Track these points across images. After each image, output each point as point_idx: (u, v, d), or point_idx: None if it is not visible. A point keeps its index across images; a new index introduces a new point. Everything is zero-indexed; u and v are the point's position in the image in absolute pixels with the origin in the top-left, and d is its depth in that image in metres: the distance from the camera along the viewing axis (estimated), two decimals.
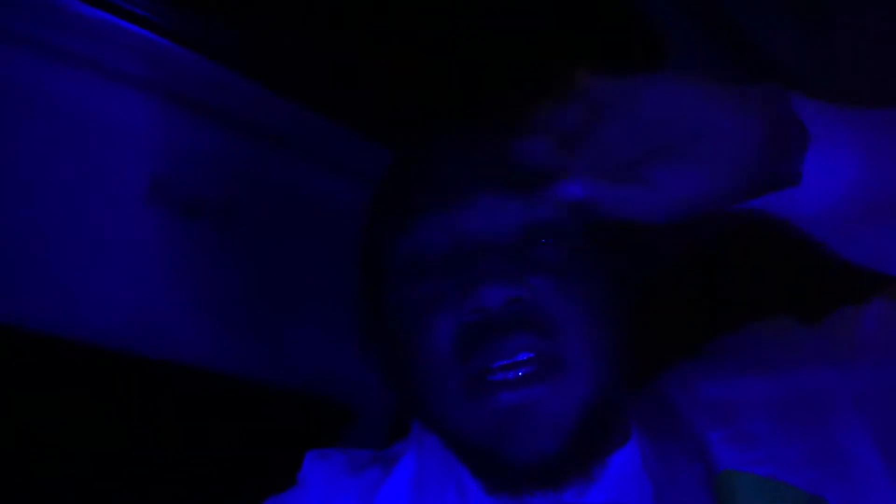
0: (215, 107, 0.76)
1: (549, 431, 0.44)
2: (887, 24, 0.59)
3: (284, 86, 0.77)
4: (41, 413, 0.87)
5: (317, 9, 0.78)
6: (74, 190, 0.75)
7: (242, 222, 0.80)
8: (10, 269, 0.76)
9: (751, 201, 0.39)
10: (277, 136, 0.79)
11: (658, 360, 0.56)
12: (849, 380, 0.48)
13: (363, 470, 0.56)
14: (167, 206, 0.77)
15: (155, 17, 0.71)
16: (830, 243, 0.42)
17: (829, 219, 0.40)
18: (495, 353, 0.44)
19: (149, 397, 0.89)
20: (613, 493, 0.48)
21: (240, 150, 0.78)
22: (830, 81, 0.64)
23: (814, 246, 0.43)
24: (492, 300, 0.43)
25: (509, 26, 0.73)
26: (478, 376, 0.44)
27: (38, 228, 0.76)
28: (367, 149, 0.82)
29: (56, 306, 0.80)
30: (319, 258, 0.86)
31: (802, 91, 0.39)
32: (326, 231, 0.86)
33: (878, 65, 0.61)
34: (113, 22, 0.71)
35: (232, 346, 0.86)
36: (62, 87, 0.73)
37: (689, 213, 0.36)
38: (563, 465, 0.45)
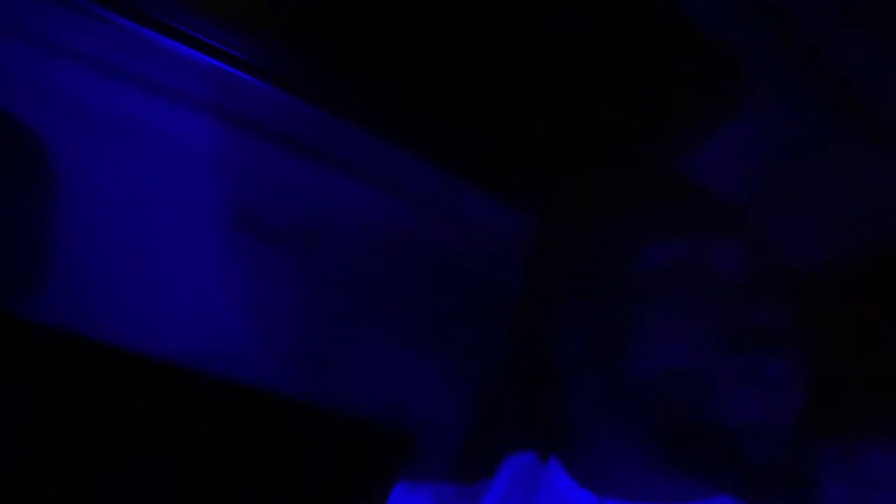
0: (301, 140, 0.78)
1: None
2: None
3: (372, 121, 0.79)
4: (108, 420, 0.90)
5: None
6: (165, 214, 0.78)
7: (322, 251, 0.82)
8: (97, 283, 0.80)
9: None
10: (361, 169, 0.81)
11: None
12: None
13: None
14: (251, 234, 0.79)
15: (260, 62, 0.74)
16: None
17: None
18: (765, 361, 0.46)
19: (218, 418, 0.91)
20: None
21: (323, 180, 0.81)
22: None
23: None
24: (771, 317, 0.47)
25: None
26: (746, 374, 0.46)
27: (127, 248, 0.79)
28: (447, 183, 0.84)
29: (136, 322, 0.83)
30: (392, 288, 0.87)
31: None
32: (401, 261, 0.87)
33: None
34: (216, 65, 0.74)
35: (302, 371, 0.88)
36: (160, 120, 0.77)
37: None
38: None
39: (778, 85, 0.69)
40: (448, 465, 0.92)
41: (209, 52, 0.77)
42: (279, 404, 0.87)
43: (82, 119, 0.74)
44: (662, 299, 0.49)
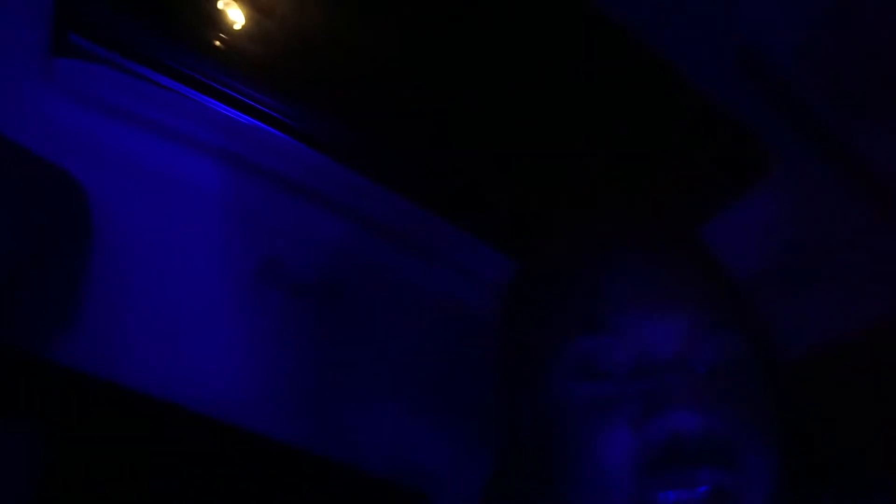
0: (330, 196, 0.81)
1: None
2: None
3: (399, 181, 0.82)
4: (123, 464, 0.91)
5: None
6: (192, 263, 0.81)
7: (343, 306, 0.84)
8: (123, 329, 0.82)
9: None
10: (386, 228, 0.83)
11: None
12: None
13: None
14: (275, 286, 0.81)
15: (288, 119, 0.78)
16: None
17: None
18: (679, 482, 0.42)
19: (234, 465, 0.92)
20: None
21: (348, 237, 0.83)
22: None
23: None
24: (687, 426, 0.43)
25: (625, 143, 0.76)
26: (653, 500, 0.43)
27: (154, 296, 0.82)
28: (472, 245, 0.86)
29: (157, 368, 0.85)
30: (412, 346, 0.88)
31: None
32: (417, 318, 0.88)
33: None
34: (246, 121, 0.78)
35: (317, 424, 0.88)
36: (188, 172, 0.80)
37: None
38: None
39: (795, 163, 0.71)
40: None
41: (243, 108, 0.81)
42: (292, 458, 0.87)
43: (118, 170, 0.78)
44: (580, 396, 0.46)
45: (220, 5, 0.78)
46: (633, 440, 0.43)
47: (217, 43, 0.80)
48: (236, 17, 0.78)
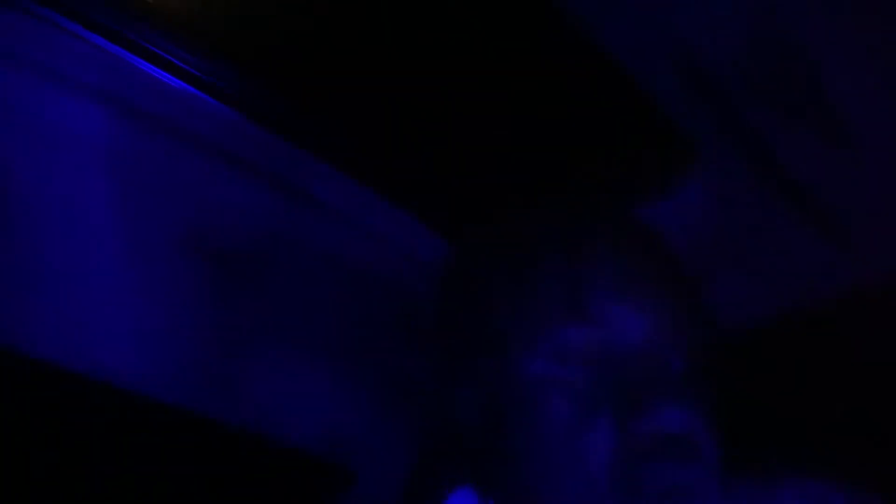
0: (257, 165, 0.78)
1: None
2: None
3: (324, 148, 0.80)
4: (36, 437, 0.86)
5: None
6: (111, 230, 0.76)
7: (267, 276, 0.81)
8: (34, 298, 0.76)
9: None
10: (308, 195, 0.81)
11: None
12: None
13: None
14: (197, 255, 0.78)
15: (217, 81, 0.74)
16: None
17: None
18: (661, 479, 0.43)
19: (150, 439, 0.88)
20: None
21: (268, 203, 0.80)
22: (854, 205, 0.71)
23: None
24: (671, 426, 0.43)
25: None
26: (634, 493, 0.43)
27: (63, 264, 0.76)
28: (401, 217, 0.85)
29: (69, 339, 0.79)
30: (334, 316, 0.87)
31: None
32: (343, 291, 0.87)
33: None
34: (173, 82, 0.73)
35: (238, 398, 0.86)
36: (109, 136, 0.75)
37: None
38: None
39: (719, 158, 0.75)
40: (387, 499, 0.92)
41: (175, 72, 0.76)
42: (211, 430, 0.84)
43: (20, 129, 0.71)
44: (556, 394, 0.46)
45: None
46: (616, 432, 0.44)
47: None
48: None
